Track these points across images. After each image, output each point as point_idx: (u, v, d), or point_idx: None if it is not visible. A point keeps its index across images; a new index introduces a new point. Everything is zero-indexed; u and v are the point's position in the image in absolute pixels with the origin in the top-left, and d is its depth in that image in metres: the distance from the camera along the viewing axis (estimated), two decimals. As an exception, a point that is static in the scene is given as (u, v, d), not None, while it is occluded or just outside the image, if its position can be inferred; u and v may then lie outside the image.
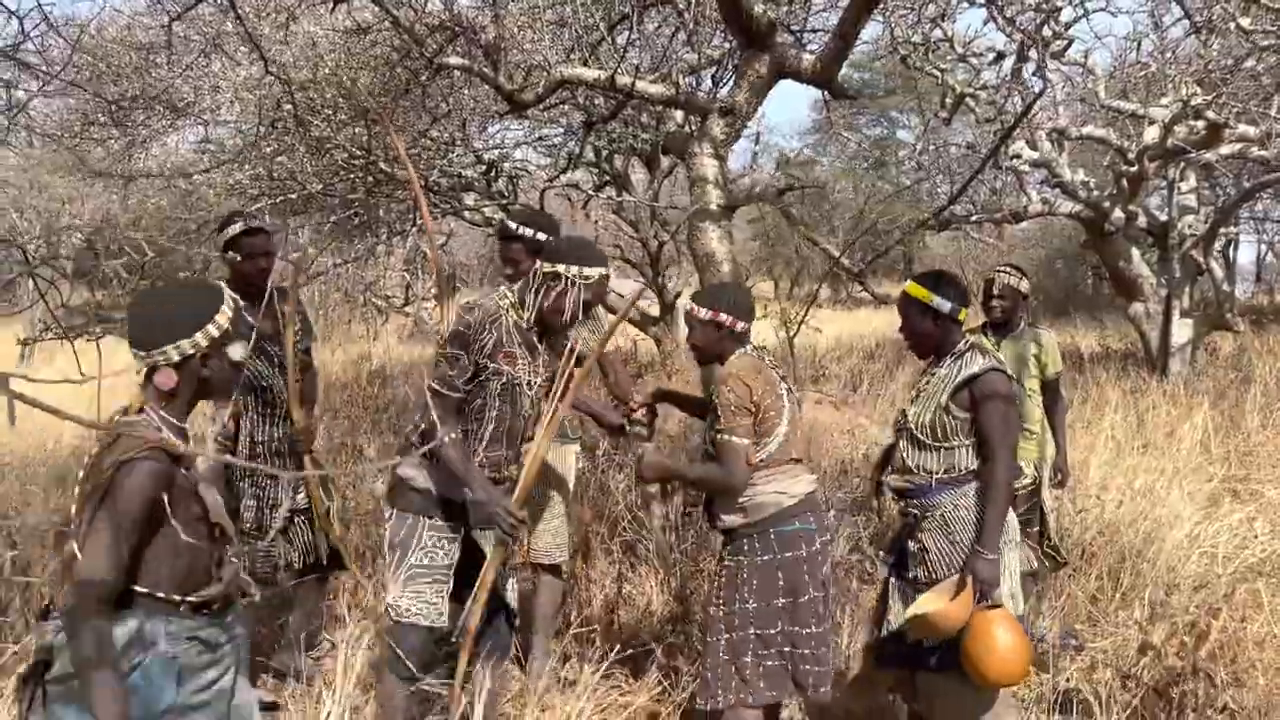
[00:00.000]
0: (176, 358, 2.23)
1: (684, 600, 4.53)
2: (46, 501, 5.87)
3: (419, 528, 3.12)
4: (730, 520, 3.15)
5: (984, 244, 17.67)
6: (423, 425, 3.13)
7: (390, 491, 3.19)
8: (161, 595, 2.17)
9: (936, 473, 3.20)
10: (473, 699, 3.08)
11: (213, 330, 2.26)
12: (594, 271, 3.10)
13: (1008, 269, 4.66)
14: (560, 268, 3.07)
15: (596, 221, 10.17)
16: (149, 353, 2.23)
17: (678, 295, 11.58)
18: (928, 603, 3.13)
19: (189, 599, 2.20)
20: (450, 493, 3.12)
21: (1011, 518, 3.26)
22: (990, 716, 3.21)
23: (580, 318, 3.16)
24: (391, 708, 3.11)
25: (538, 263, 3.13)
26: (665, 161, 9.95)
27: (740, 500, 3.13)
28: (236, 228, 3.81)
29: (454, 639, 3.14)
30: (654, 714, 3.69)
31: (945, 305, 3.22)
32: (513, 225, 3.73)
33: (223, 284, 3.83)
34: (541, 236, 3.60)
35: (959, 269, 21.26)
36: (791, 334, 4.85)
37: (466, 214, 8.14)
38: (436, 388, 3.01)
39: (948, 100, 8.69)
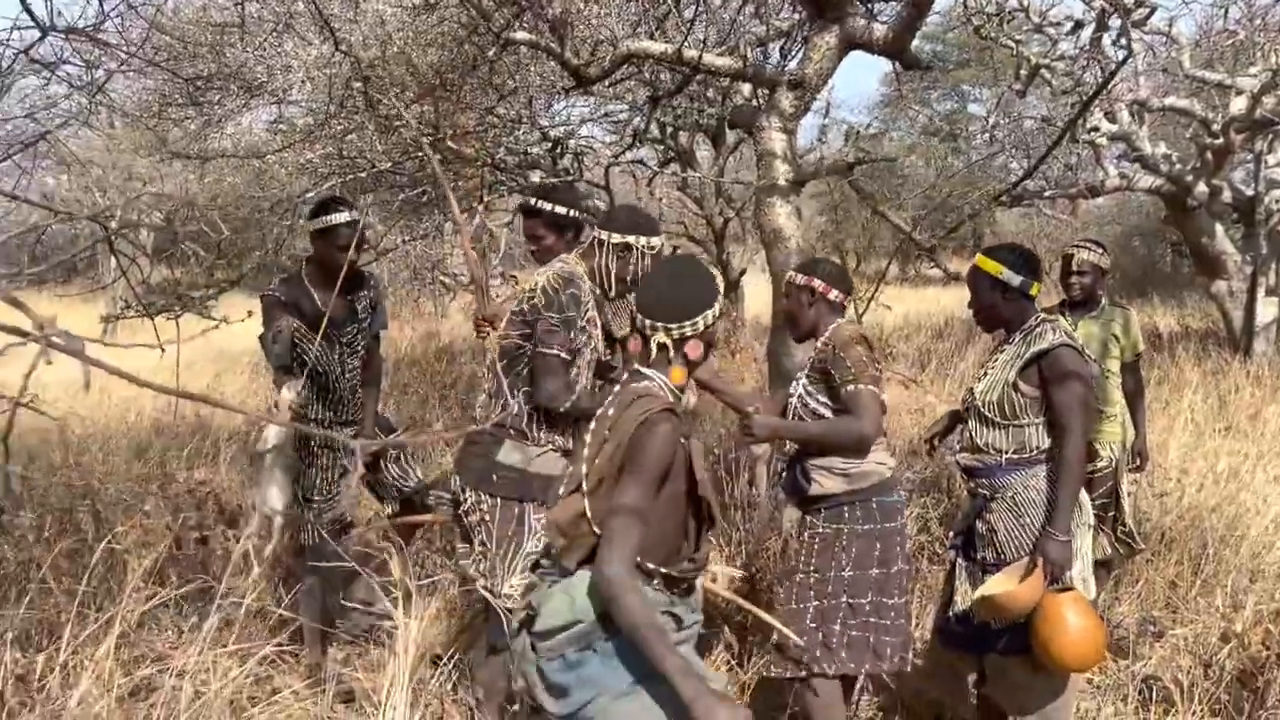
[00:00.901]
0: (702, 327, 2.33)
1: (750, 579, 4.48)
2: (128, 471, 6.04)
3: (525, 514, 3.17)
4: (830, 486, 3.17)
5: (1057, 220, 17.17)
6: (505, 403, 3.16)
7: (478, 476, 3.19)
8: (642, 564, 2.17)
9: (1006, 452, 3.16)
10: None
11: (719, 304, 2.39)
12: (657, 241, 3.25)
13: (1088, 244, 4.50)
14: (631, 239, 3.20)
15: (661, 198, 10.10)
16: (680, 323, 2.32)
17: (742, 272, 11.51)
18: (996, 585, 3.08)
19: (666, 571, 2.20)
20: (551, 469, 3.18)
21: (1085, 500, 3.19)
22: (1058, 703, 3.14)
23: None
24: (498, 688, 3.18)
25: (600, 233, 3.22)
26: (731, 137, 9.84)
27: (843, 466, 3.14)
28: (341, 218, 3.83)
29: None
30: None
31: (1015, 279, 3.17)
32: (534, 200, 3.76)
33: (302, 265, 3.95)
34: (562, 210, 3.60)
35: (1031, 246, 20.75)
36: (860, 311, 4.75)
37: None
38: (556, 354, 3.06)
39: (1023, 72, 8.43)
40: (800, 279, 3.32)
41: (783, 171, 4.73)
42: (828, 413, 3.20)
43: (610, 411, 2.26)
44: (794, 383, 3.34)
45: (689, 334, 2.33)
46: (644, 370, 2.34)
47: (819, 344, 3.26)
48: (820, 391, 3.22)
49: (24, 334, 1.11)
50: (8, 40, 3.71)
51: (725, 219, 10.85)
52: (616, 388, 2.35)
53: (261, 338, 3.79)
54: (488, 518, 3.18)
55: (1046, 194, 9.47)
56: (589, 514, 2.18)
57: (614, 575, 2.04)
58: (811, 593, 3.17)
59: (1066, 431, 3.04)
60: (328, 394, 3.91)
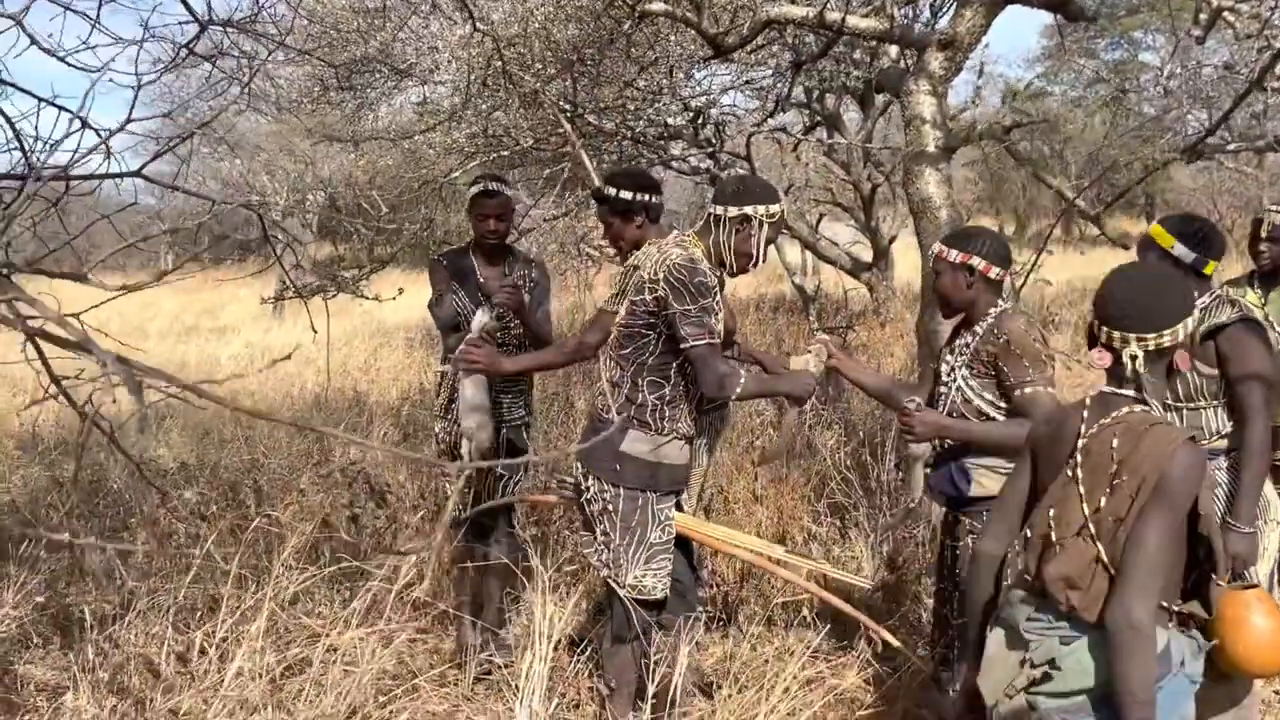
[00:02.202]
0: (1182, 335, 2.18)
1: (896, 568, 4.37)
2: (290, 447, 6.30)
3: (649, 504, 3.15)
4: (992, 487, 2.95)
5: (1241, 175, 15.83)
6: (627, 396, 3.12)
7: (602, 464, 3.15)
8: (1165, 605, 2.08)
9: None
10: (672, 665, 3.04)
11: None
12: (778, 208, 3.14)
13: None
14: (748, 209, 3.09)
15: (808, 164, 9.83)
16: (1159, 332, 2.16)
17: (892, 239, 11.15)
18: None
19: (1180, 610, 2.11)
20: (678, 459, 3.15)
21: (1271, 493, 3.00)
22: (1237, 711, 2.88)
23: (764, 258, 3.18)
24: (628, 679, 3.17)
25: (715, 209, 3.12)
26: (880, 99, 9.49)
27: (1008, 464, 2.90)
28: (475, 190, 3.94)
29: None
30: (862, 692, 3.52)
31: (1189, 255, 3.02)
32: (601, 187, 3.68)
33: (467, 243, 4.04)
34: (626, 195, 3.49)
35: (1210, 204, 19.28)
36: (1018, 285, 4.48)
37: (674, 163, 8.04)
38: (707, 343, 3.00)
39: (1202, 16, 7.71)
40: (955, 255, 3.03)
41: (932, 138, 4.51)
42: (994, 412, 2.99)
43: (1114, 443, 2.11)
44: (945, 367, 3.12)
45: (1168, 344, 2.16)
46: (1122, 392, 2.18)
47: (981, 329, 3.02)
48: (987, 388, 3.00)
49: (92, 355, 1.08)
50: (172, 37, 3.84)
51: (874, 184, 10.53)
52: (1087, 411, 2.19)
53: (430, 302, 3.93)
54: (610, 507, 3.14)
55: (1230, 148, 8.70)
56: (1104, 559, 2.07)
57: (1140, 623, 1.97)
58: None
59: (1249, 413, 2.90)
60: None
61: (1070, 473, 2.17)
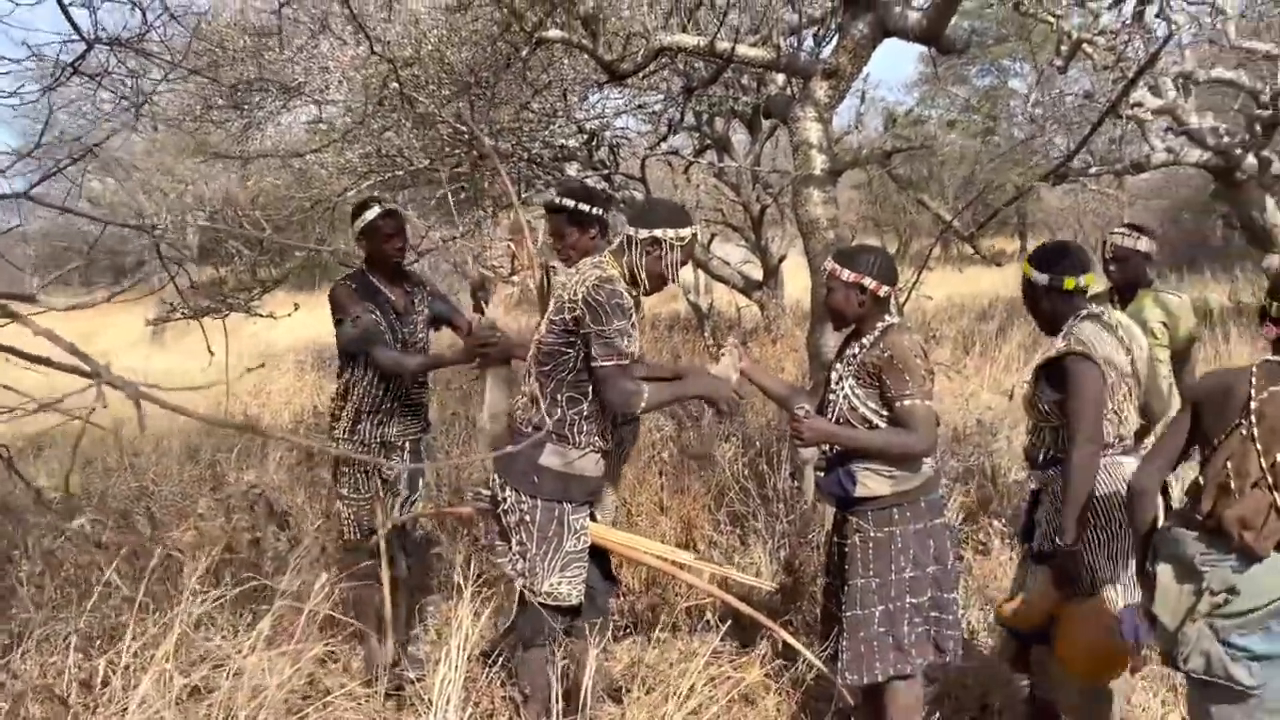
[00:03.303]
0: None
1: (792, 571, 4.54)
2: (181, 473, 6.18)
3: (565, 514, 3.23)
4: (876, 488, 3.14)
5: (1104, 196, 16.82)
6: (546, 410, 3.19)
7: (520, 476, 3.22)
8: None
9: (1046, 448, 3.24)
10: (579, 671, 3.16)
11: None
12: (687, 232, 3.22)
13: (1123, 230, 4.40)
14: (658, 232, 3.17)
15: (698, 186, 10.08)
16: None
17: (781, 259, 11.42)
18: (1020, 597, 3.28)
19: None
20: (591, 471, 3.24)
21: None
22: (1099, 696, 3.16)
23: (676, 279, 3.28)
24: (540, 685, 3.23)
25: (629, 230, 3.20)
26: (767, 124, 9.79)
27: (890, 468, 3.13)
28: (373, 213, 3.95)
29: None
30: (764, 687, 3.68)
31: (1042, 278, 3.22)
32: (557, 198, 3.81)
33: (362, 267, 4.04)
34: (585, 207, 3.65)
35: (1076, 225, 20.33)
36: (902, 301, 4.73)
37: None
38: (617, 364, 3.08)
39: (1063, 47, 8.26)
40: (848, 274, 3.17)
41: (819, 161, 4.71)
42: (878, 420, 3.16)
43: None
44: (834, 375, 3.27)
45: None
46: None
47: (868, 341, 3.19)
48: (871, 397, 3.16)
49: (85, 373, 1.16)
50: (57, 54, 3.79)
51: (763, 206, 10.78)
52: (1255, 378, 2.58)
53: (341, 325, 3.90)
54: (528, 518, 3.22)
55: (1091, 171, 9.28)
56: (1278, 505, 2.49)
57: None
58: (875, 597, 3.16)
59: (1073, 437, 3.08)
60: (387, 384, 3.98)
61: (1246, 431, 2.53)
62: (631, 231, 3.20)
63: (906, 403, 3.08)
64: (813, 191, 4.71)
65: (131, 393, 1.12)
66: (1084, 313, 3.21)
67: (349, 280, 4.01)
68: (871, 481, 3.15)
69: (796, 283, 13.81)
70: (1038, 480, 3.29)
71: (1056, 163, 5.54)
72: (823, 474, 3.30)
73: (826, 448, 3.27)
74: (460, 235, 8.13)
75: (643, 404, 3.15)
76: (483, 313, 4.20)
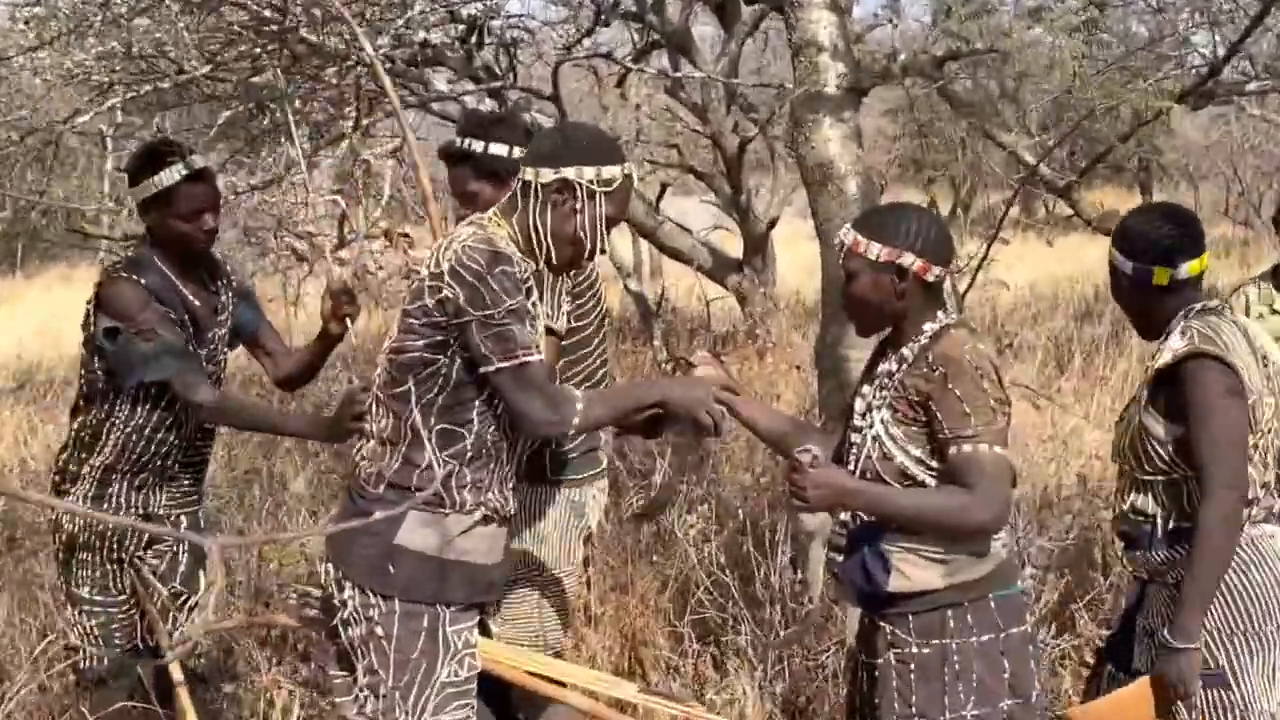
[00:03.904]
0: None
1: (796, 712, 4.61)
2: None
3: (440, 624, 3.24)
4: (922, 578, 3.14)
5: (1270, 125, 17.09)
6: (405, 458, 3.22)
7: (367, 566, 3.23)
8: None
9: (1157, 516, 3.39)
10: None
11: None
12: (616, 172, 3.25)
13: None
14: (569, 172, 3.20)
15: (640, 107, 10.03)
16: None
17: (771, 224, 11.52)
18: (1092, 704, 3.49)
19: None
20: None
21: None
22: None
23: (604, 248, 3.33)
24: None
25: (529, 172, 3.24)
26: (750, 11, 9.77)
27: (942, 549, 3.13)
28: (173, 174, 3.98)
29: None
30: None
31: (1126, 265, 3.42)
32: (461, 140, 3.92)
33: (145, 249, 4.13)
34: (501, 151, 3.77)
35: (1228, 168, 20.71)
36: (963, 290, 4.70)
37: (437, 105, 8.14)
38: (523, 360, 3.12)
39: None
40: (877, 250, 3.13)
41: (833, 73, 4.70)
42: (923, 473, 3.13)
43: None
44: (859, 405, 3.29)
45: None
46: None
47: (911, 353, 3.17)
48: (914, 439, 3.14)
49: None
50: None
51: (743, 140, 10.77)
52: None
53: (116, 337, 3.93)
54: (380, 630, 3.21)
55: (1251, 87, 9.26)
56: None
57: None
58: None
59: (1206, 480, 3.21)
60: (172, 432, 4.10)
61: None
62: (530, 175, 3.23)
63: (967, 447, 3.07)
64: (823, 120, 4.68)
65: None
66: (1196, 308, 3.37)
67: (131, 270, 4.03)
68: (914, 569, 3.14)
69: (795, 260, 13.84)
70: (1144, 567, 3.44)
71: (1198, 75, 5.49)
72: (840, 557, 3.28)
73: (845, 515, 3.27)
74: (261, 184, 7.94)
75: (578, 418, 3.16)
76: (338, 338, 4.20)
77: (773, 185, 11.67)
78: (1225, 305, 3.44)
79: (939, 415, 3.09)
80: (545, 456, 4.01)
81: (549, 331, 3.82)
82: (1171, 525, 3.33)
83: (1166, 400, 3.30)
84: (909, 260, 3.12)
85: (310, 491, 7.07)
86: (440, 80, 7.80)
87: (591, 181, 3.20)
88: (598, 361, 4.18)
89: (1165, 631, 3.28)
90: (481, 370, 3.14)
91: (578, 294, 4.04)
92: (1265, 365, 3.33)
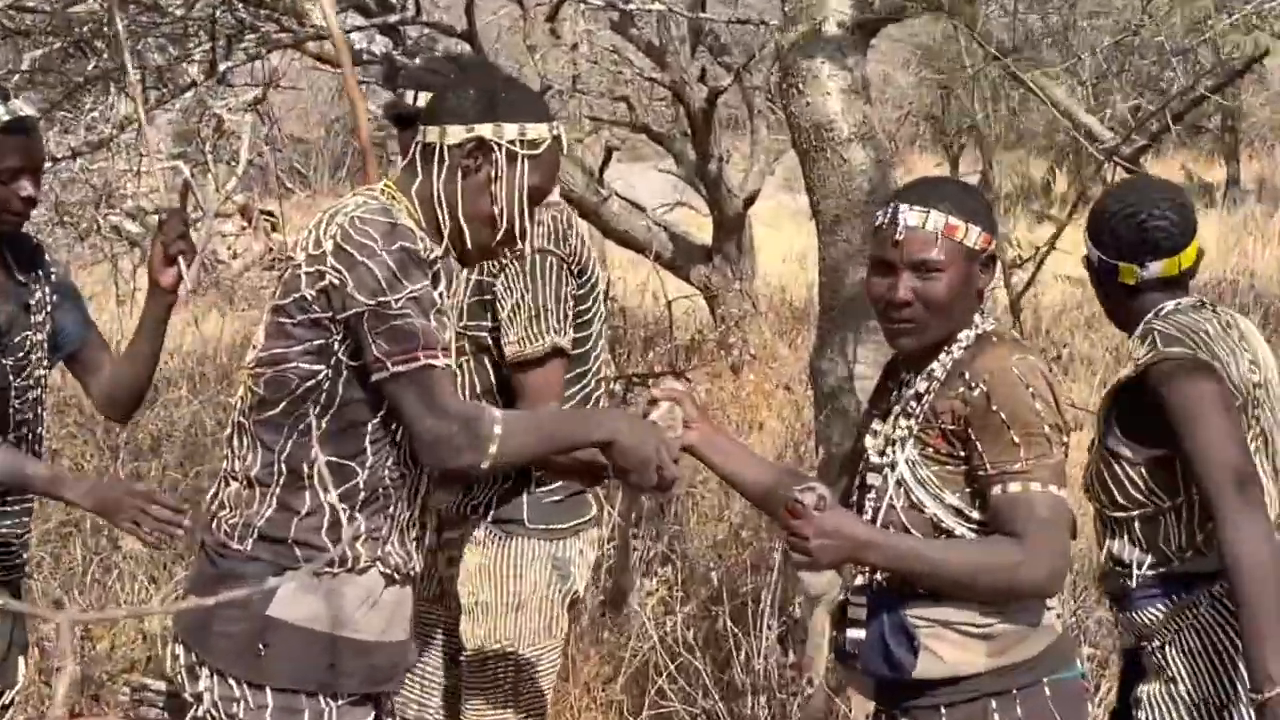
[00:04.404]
0: None
1: None
2: None
3: (326, 717, 3.26)
4: (957, 659, 3.19)
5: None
6: (279, 502, 3.24)
7: (229, 647, 3.25)
8: None
9: (1133, 564, 3.58)
10: None
11: None
12: (543, 129, 3.30)
13: None
14: (484, 130, 3.25)
15: (575, 46, 10.11)
16: None
17: (750, 200, 11.60)
18: None
19: None
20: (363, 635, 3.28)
21: None
22: None
23: (526, 230, 3.34)
24: None
25: (432, 131, 3.29)
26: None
27: (983, 621, 3.17)
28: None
29: None
30: None
31: (1094, 253, 3.70)
32: (409, 95, 3.98)
33: None
34: None
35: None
36: (1017, 293, 4.90)
37: (316, 45, 8.10)
38: (425, 364, 3.10)
39: None
40: (977, 235, 3.25)
41: (833, 5, 4.80)
42: (961, 527, 3.22)
43: None
44: (872, 442, 3.36)
45: None
46: None
47: (942, 369, 3.28)
48: (949, 481, 3.22)
49: None
50: None
51: (712, 92, 10.90)
52: None
53: None
54: None
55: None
56: None
57: None
58: None
59: (1219, 507, 3.34)
60: None
61: None
62: (433, 134, 3.29)
63: (1015, 486, 3.12)
64: (821, 68, 4.80)
65: None
66: (1169, 307, 3.62)
67: None
68: (948, 647, 3.19)
69: (780, 246, 13.85)
70: (1131, 630, 3.62)
71: None
72: (855, 632, 3.29)
73: (862, 575, 3.31)
74: (83, 147, 8.01)
75: (496, 446, 3.13)
76: (171, 299, 4.22)
77: (751, 150, 11.73)
78: (1206, 302, 3.66)
79: (980, 447, 3.13)
80: (523, 500, 4.12)
81: (558, 352, 4.03)
82: (1151, 572, 3.49)
83: (1133, 417, 3.46)
84: (978, 239, 3.23)
85: (148, 552, 6.78)
86: (316, 13, 7.53)
87: (514, 142, 3.24)
88: (594, 383, 4.30)
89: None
90: (374, 378, 3.12)
91: (579, 296, 4.15)
92: (1254, 370, 3.53)
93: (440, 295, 3.22)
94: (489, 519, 4.16)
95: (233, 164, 7.41)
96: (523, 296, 4.02)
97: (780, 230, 14.07)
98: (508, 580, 4.16)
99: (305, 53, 8.57)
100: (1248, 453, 3.39)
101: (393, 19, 7.47)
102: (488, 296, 4.08)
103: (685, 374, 9.93)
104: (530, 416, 3.53)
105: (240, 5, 7.33)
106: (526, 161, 3.27)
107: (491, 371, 4.13)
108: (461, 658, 4.27)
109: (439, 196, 3.27)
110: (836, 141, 4.85)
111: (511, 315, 4.03)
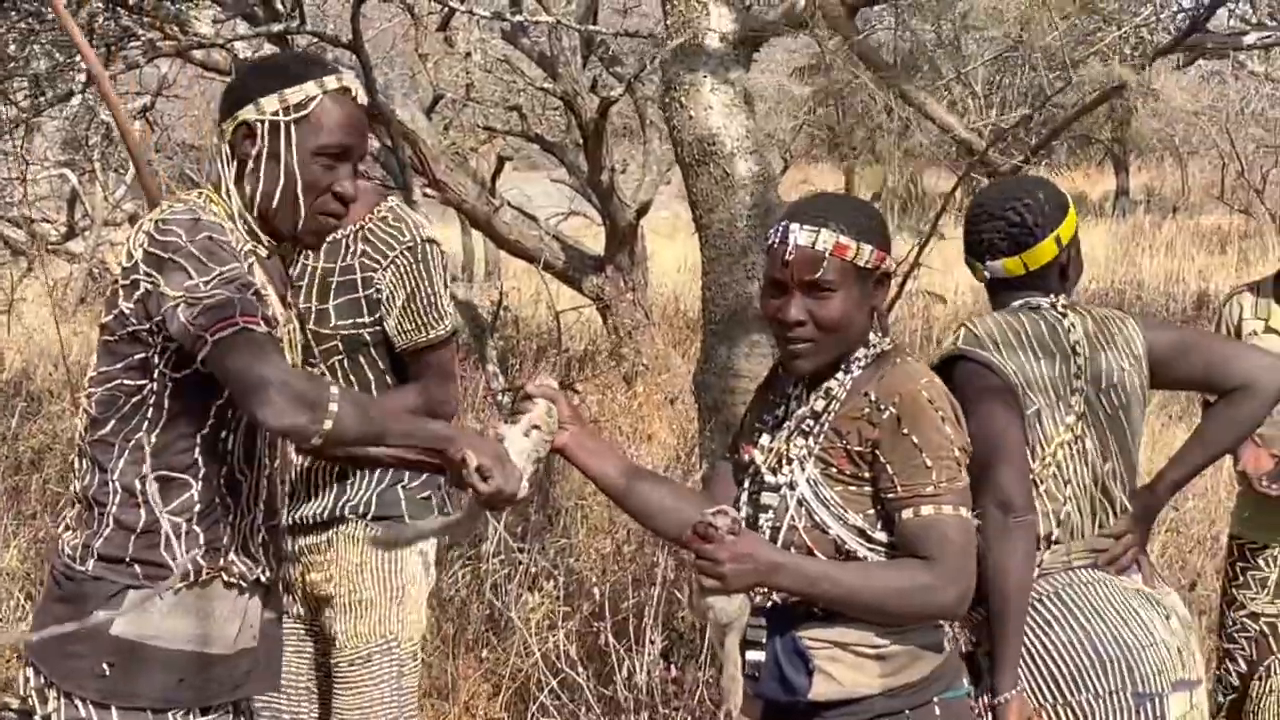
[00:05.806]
0: None
1: None
2: None
3: None
4: (851, 681, 3.18)
5: (1275, 83, 17.57)
6: (116, 519, 3.21)
7: (83, 670, 3.21)
8: None
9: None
10: None
11: None
12: (307, 89, 3.26)
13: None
14: (246, 112, 3.26)
15: (468, 55, 10.14)
16: None
17: (643, 210, 11.62)
18: None
19: None
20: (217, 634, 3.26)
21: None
22: None
23: (346, 190, 3.32)
24: None
25: (217, 132, 3.31)
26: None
27: (877, 640, 3.17)
28: None
29: None
30: None
31: (868, 254, 3.28)
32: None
33: None
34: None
35: (1221, 142, 21.19)
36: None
37: (201, 54, 8.17)
38: (243, 328, 3.00)
39: None
40: (869, 253, 3.23)
41: (716, 19, 4.82)
42: (864, 549, 3.21)
43: None
44: (766, 458, 3.34)
45: None
46: None
47: (841, 388, 3.27)
48: (853, 502, 3.22)
49: None
50: None
51: (604, 101, 10.91)
52: None
53: None
54: None
55: (1249, 40, 9.63)
56: None
57: None
58: None
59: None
60: None
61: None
62: (217, 136, 3.33)
63: (927, 509, 3.15)
64: (703, 79, 4.81)
65: None
66: (1016, 305, 3.77)
67: None
68: (843, 669, 3.19)
69: (674, 256, 13.92)
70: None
71: (1181, 27, 5.80)
72: (751, 654, 3.28)
73: (760, 596, 3.25)
74: None
75: (330, 420, 3.00)
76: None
77: (644, 160, 11.75)
78: (1059, 303, 3.71)
79: (890, 469, 3.13)
80: (399, 494, 4.19)
81: (454, 334, 4.13)
82: None
83: None
84: (873, 255, 3.22)
85: (26, 568, 6.93)
86: (204, 22, 7.80)
87: (276, 112, 3.24)
88: None
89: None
90: (199, 357, 3.04)
91: None
92: (1072, 358, 3.63)
93: (252, 277, 3.16)
94: (368, 517, 4.18)
95: (121, 171, 7.35)
96: (418, 286, 4.15)
97: (674, 240, 14.19)
98: (391, 575, 4.21)
99: (190, 61, 8.59)
100: (1006, 454, 3.46)
101: (276, 28, 7.41)
102: (368, 292, 4.14)
103: (572, 385, 9.97)
104: (374, 401, 3.56)
105: (123, 12, 7.31)
106: (294, 127, 3.25)
107: (368, 368, 4.20)
108: (334, 660, 4.25)
109: (232, 190, 3.29)
110: (720, 156, 4.89)
111: (406, 306, 4.14)
